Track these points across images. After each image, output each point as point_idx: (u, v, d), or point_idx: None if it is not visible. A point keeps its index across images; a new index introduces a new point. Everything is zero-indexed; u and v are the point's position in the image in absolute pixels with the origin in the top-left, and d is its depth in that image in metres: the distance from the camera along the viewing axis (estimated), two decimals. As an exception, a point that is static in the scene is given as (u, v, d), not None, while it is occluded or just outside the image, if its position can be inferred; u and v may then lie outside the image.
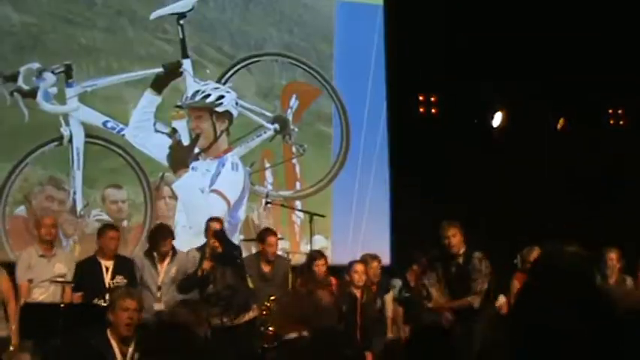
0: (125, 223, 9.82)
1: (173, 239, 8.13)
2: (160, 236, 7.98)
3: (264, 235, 8.42)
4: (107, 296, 7.23)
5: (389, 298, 8.91)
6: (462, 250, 7.72)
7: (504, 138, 11.27)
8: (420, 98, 11.99)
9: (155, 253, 7.91)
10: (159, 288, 7.76)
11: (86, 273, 7.66)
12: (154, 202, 10.08)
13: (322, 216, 9.60)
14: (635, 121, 11.63)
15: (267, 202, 9.92)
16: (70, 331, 6.45)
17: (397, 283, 9.37)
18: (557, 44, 10.82)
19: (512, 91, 10.76)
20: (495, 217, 10.60)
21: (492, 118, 11.65)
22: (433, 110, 11.94)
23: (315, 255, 8.26)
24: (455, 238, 7.68)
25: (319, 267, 8.05)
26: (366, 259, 8.51)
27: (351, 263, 8.12)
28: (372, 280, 8.43)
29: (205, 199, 10.22)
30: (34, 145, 9.57)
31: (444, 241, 7.72)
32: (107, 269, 7.64)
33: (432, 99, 11.97)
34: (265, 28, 11.02)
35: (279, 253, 8.63)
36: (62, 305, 7.05)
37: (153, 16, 10.27)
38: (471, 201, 10.34)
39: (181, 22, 10.41)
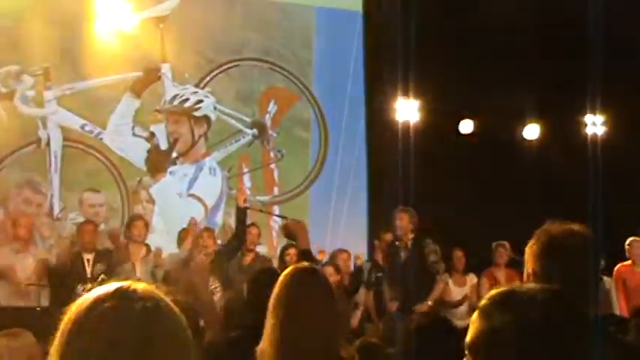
0: (102, 226, 9.80)
1: (146, 225, 8.20)
2: (132, 218, 8.34)
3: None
4: (89, 287, 7.36)
5: (361, 292, 8.89)
6: (410, 236, 8.18)
7: (479, 142, 11.33)
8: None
9: (130, 247, 8.06)
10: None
11: (70, 265, 7.83)
12: (132, 206, 10.08)
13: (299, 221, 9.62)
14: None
15: (245, 207, 9.93)
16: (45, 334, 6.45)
17: (367, 265, 9.45)
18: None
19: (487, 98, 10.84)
20: (467, 219, 10.60)
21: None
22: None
23: (287, 246, 8.40)
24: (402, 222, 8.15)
25: (290, 256, 8.16)
26: (334, 255, 8.67)
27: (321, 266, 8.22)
28: (343, 271, 8.47)
29: (183, 204, 10.23)
30: (12, 148, 9.56)
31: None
32: (89, 261, 7.81)
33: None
34: (245, 33, 11.06)
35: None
36: (38, 308, 7.13)
37: (132, 19, 10.27)
38: (444, 206, 10.35)
39: (161, 25, 10.43)
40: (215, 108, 10.68)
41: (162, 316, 1.45)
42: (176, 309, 1.49)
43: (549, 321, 1.60)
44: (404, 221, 8.15)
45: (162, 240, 9.39)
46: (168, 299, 1.50)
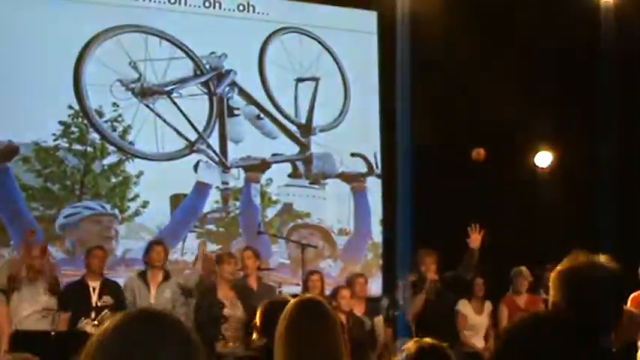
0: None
1: (166, 251, 8.13)
2: (151, 244, 8.10)
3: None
4: (94, 316, 7.44)
5: (379, 321, 8.69)
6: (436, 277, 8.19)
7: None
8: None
9: (149, 273, 7.90)
10: (151, 308, 7.62)
11: (74, 294, 7.65)
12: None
13: (314, 247, 9.63)
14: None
15: (259, 232, 9.88)
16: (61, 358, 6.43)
17: (385, 302, 9.25)
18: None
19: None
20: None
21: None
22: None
23: (311, 271, 8.37)
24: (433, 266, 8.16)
25: (314, 282, 8.08)
26: (351, 279, 8.59)
27: (337, 289, 8.15)
28: (359, 295, 8.37)
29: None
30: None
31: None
32: (94, 289, 7.62)
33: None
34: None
35: (271, 283, 8.60)
36: (52, 333, 7.16)
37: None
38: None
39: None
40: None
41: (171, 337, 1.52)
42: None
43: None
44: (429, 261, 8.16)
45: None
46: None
